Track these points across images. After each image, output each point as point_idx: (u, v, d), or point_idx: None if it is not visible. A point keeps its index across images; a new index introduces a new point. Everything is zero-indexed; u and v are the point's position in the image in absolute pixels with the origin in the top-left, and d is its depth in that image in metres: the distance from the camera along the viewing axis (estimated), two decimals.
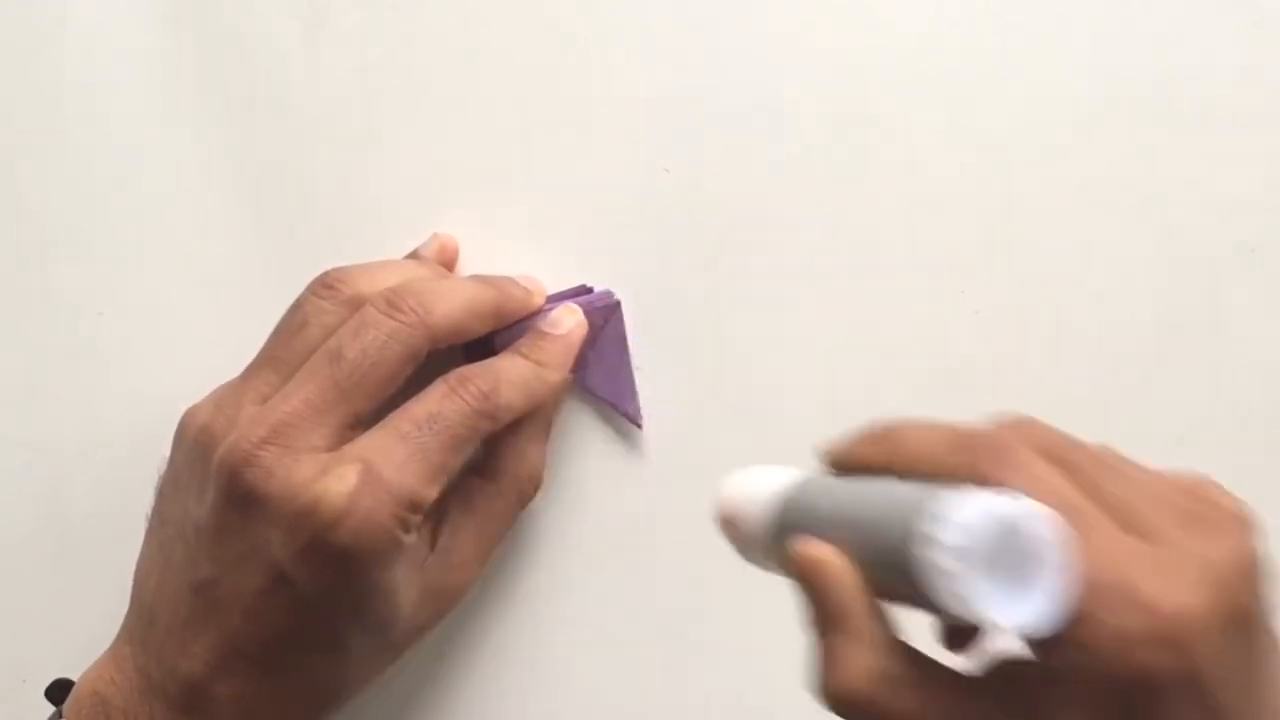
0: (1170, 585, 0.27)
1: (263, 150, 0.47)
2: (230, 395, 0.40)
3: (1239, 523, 0.30)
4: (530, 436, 0.41)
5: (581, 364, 0.42)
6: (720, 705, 0.45)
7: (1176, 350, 0.45)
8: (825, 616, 0.29)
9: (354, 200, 0.43)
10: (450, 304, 0.40)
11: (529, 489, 0.42)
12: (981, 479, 0.28)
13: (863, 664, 0.28)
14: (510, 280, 0.43)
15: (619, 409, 0.42)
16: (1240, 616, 0.28)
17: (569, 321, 0.42)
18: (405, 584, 0.39)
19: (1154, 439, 0.45)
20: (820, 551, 0.29)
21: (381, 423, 0.39)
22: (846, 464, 0.32)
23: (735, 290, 0.42)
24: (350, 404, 0.38)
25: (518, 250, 0.43)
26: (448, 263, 0.44)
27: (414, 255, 0.44)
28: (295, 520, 0.37)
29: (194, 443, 0.40)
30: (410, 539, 0.38)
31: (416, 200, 0.45)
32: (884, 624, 0.29)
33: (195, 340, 0.47)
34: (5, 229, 0.47)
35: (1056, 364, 0.46)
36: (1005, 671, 0.29)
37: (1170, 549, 0.28)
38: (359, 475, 0.37)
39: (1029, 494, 0.28)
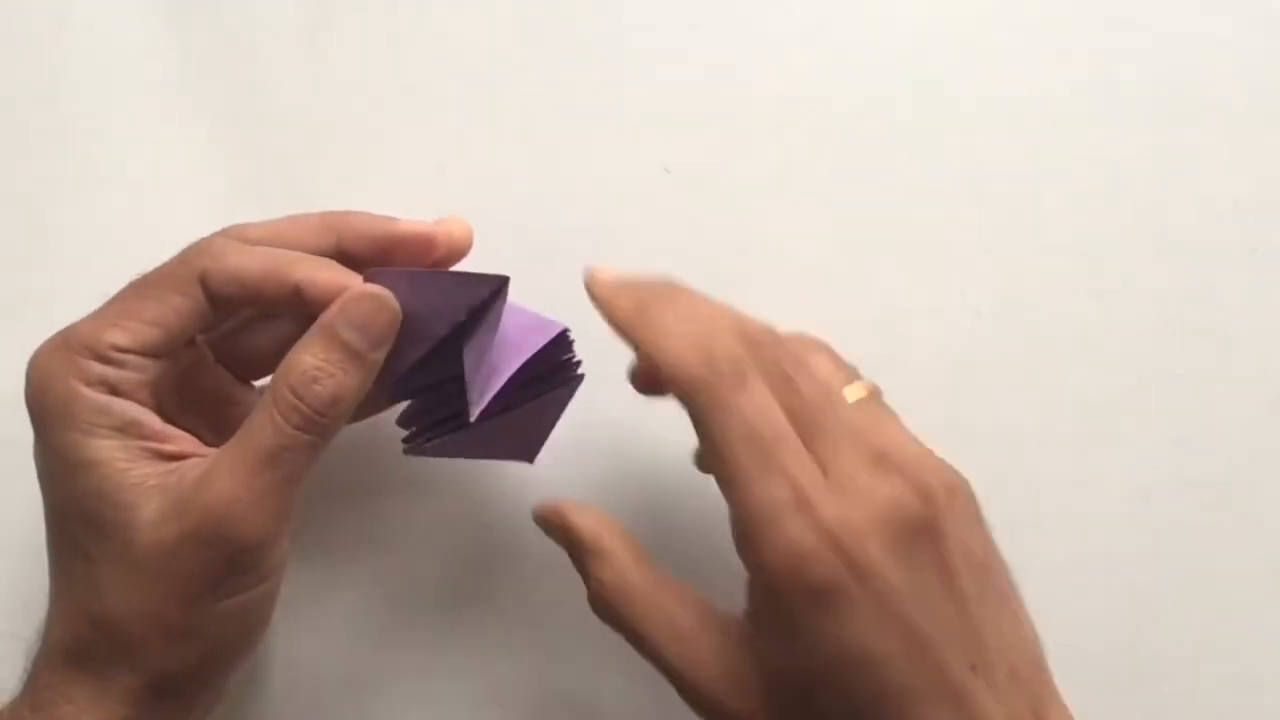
0: (843, 504, 0.33)
1: (263, 150, 0.47)
2: None
3: (945, 482, 0.35)
4: (302, 342, 0.38)
5: (463, 333, 0.39)
6: None
7: (1176, 350, 0.45)
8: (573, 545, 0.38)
9: (354, 200, 0.43)
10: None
11: (286, 396, 0.37)
12: (715, 397, 0.34)
13: (608, 575, 0.37)
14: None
15: (469, 390, 0.39)
16: (911, 530, 0.34)
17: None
18: (122, 469, 0.37)
19: (1154, 439, 0.45)
20: (561, 509, 0.38)
21: None
22: (606, 312, 0.37)
23: (735, 290, 0.42)
24: (113, 310, 0.39)
25: (518, 250, 0.43)
26: (456, 251, 0.43)
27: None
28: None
29: None
30: (99, 394, 0.37)
31: (416, 200, 0.45)
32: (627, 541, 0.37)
33: None
34: (5, 229, 0.47)
35: (1056, 364, 0.46)
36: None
37: (854, 482, 0.34)
38: (53, 339, 0.38)
39: (743, 415, 0.34)
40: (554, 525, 0.39)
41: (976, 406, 0.45)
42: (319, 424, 0.37)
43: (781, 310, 0.43)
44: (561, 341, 0.40)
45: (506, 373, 0.39)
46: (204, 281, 0.38)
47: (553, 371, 0.41)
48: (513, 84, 0.47)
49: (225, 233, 0.40)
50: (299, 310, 0.39)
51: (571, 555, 0.38)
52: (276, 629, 0.43)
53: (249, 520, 0.37)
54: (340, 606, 0.46)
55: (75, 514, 0.37)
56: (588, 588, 0.38)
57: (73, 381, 0.37)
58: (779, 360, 0.36)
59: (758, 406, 0.35)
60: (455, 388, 0.40)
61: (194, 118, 0.47)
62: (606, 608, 0.37)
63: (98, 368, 0.37)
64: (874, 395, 0.38)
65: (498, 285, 0.39)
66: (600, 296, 0.37)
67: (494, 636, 0.46)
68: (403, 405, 0.42)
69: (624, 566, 0.37)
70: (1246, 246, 0.46)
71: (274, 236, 0.40)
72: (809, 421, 0.35)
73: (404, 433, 0.42)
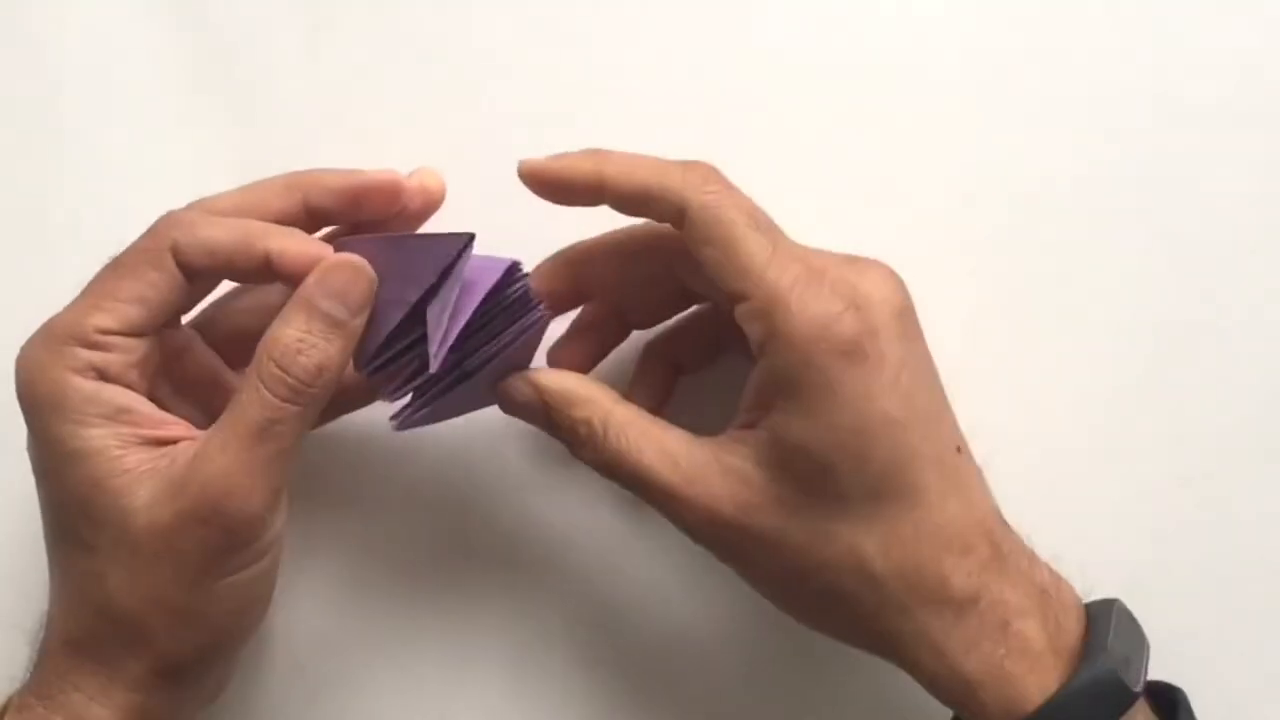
0: (851, 276, 0.37)
1: (263, 150, 0.47)
2: None
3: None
4: (282, 316, 0.38)
5: (431, 295, 0.39)
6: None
7: (1176, 350, 0.45)
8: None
9: None
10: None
11: (271, 369, 0.37)
12: (710, 195, 0.38)
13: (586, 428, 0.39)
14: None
15: (430, 342, 0.39)
16: (901, 311, 0.38)
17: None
18: (115, 456, 0.37)
19: (1154, 439, 0.45)
20: (529, 379, 0.40)
21: None
22: (551, 178, 0.40)
23: None
24: (92, 294, 0.39)
25: (518, 250, 0.42)
26: (431, 201, 0.43)
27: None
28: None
29: None
30: (88, 381, 0.37)
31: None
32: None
33: None
34: (5, 229, 0.47)
35: (1056, 364, 0.46)
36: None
37: (837, 267, 0.38)
38: (36, 333, 0.38)
39: (740, 205, 0.38)
40: (526, 399, 0.40)
41: (976, 406, 0.45)
42: (306, 394, 0.37)
43: None
44: (514, 273, 0.40)
45: (464, 317, 0.39)
46: (175, 254, 0.38)
47: (514, 307, 0.40)
48: (512, 84, 0.47)
49: (193, 206, 0.40)
50: (269, 279, 0.39)
51: (551, 421, 0.40)
52: (277, 604, 0.44)
53: (244, 495, 0.37)
54: (338, 580, 0.46)
55: (72, 504, 0.37)
56: (573, 439, 0.40)
57: (61, 371, 0.37)
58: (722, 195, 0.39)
59: (746, 198, 0.38)
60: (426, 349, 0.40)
61: (194, 118, 0.47)
62: (593, 451, 0.39)
63: (84, 354, 0.37)
64: None
65: (464, 243, 0.38)
66: (552, 165, 0.40)
67: (497, 606, 0.46)
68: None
69: (604, 409, 0.39)
70: (1246, 246, 0.46)
71: (240, 204, 0.41)
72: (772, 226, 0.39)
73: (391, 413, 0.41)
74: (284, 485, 0.38)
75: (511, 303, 0.40)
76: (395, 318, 0.39)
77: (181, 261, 0.38)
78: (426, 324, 0.39)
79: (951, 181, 0.46)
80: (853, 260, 0.39)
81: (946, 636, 0.37)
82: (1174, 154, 0.46)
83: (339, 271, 0.38)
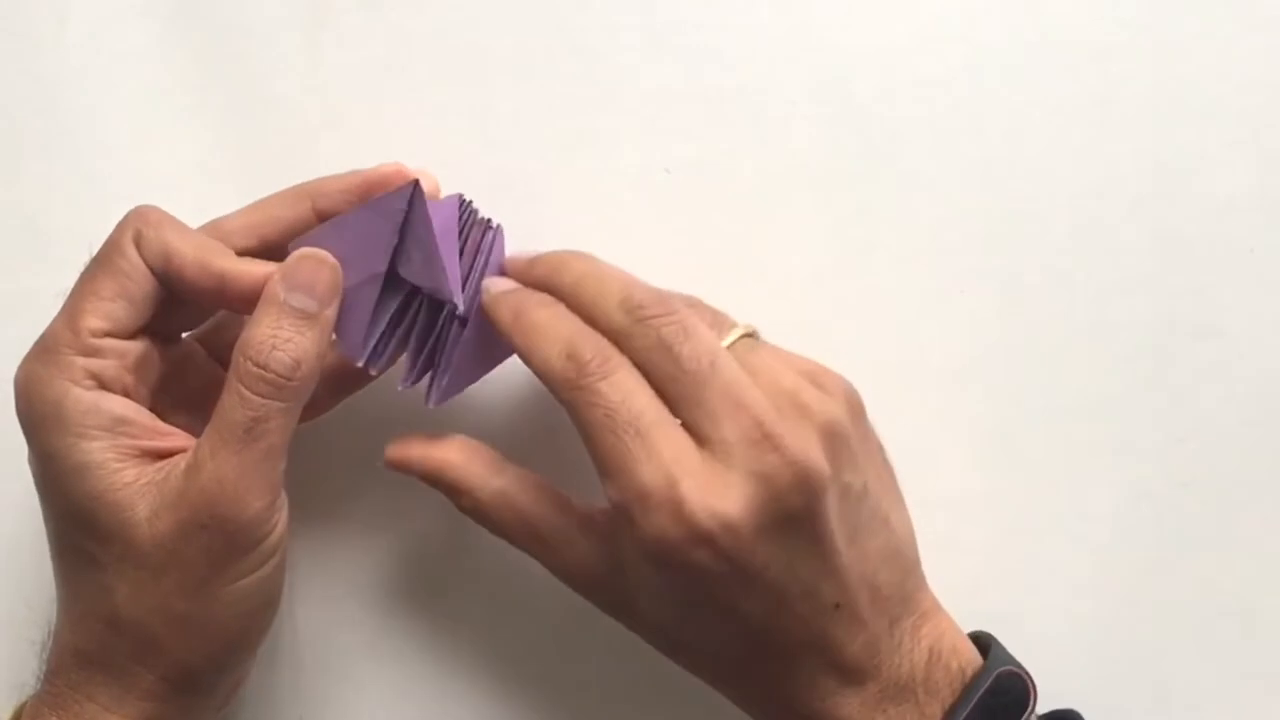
0: (713, 496, 0.34)
1: (263, 150, 0.47)
2: None
3: (821, 426, 0.36)
4: (253, 317, 0.38)
5: (400, 257, 0.39)
6: None
7: (1176, 350, 0.45)
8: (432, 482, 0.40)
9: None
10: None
11: (249, 368, 0.37)
12: (585, 386, 0.36)
13: (463, 497, 0.39)
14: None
15: (439, 294, 0.39)
16: (785, 519, 0.35)
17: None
18: (115, 470, 0.37)
19: (1154, 439, 0.45)
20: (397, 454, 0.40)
21: None
22: (493, 325, 0.39)
23: (735, 290, 0.42)
24: (75, 296, 0.39)
25: (518, 250, 0.42)
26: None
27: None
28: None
29: None
30: (86, 392, 0.37)
31: None
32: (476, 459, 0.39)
33: None
34: (5, 229, 0.47)
35: (1056, 364, 0.46)
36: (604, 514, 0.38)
37: (728, 462, 0.35)
38: (32, 349, 0.38)
39: (606, 405, 0.35)
40: (402, 469, 0.40)
41: (976, 406, 0.45)
42: (287, 388, 0.38)
43: (781, 310, 0.43)
44: (464, 206, 0.41)
45: (453, 256, 0.39)
46: (138, 246, 0.39)
47: (473, 232, 0.41)
48: (512, 84, 0.47)
49: (204, 228, 0.41)
50: (214, 302, 0.39)
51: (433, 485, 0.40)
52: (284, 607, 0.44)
53: (240, 497, 0.37)
54: (339, 580, 0.46)
55: (74, 518, 0.38)
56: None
57: (59, 382, 0.37)
58: (662, 330, 0.37)
59: (622, 393, 0.36)
60: (422, 305, 0.40)
61: (194, 118, 0.47)
62: (474, 518, 0.40)
63: (80, 361, 0.38)
64: (752, 335, 0.40)
65: (409, 193, 0.38)
66: (487, 304, 0.39)
67: (496, 606, 0.46)
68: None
69: (475, 487, 0.39)
70: (1246, 246, 0.46)
71: (249, 221, 0.41)
72: (690, 392, 0.36)
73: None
74: (278, 482, 0.38)
75: (470, 229, 0.41)
76: (371, 296, 0.39)
77: (143, 256, 0.39)
78: (418, 282, 0.39)
79: (951, 181, 0.46)
80: (757, 434, 0.35)
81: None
82: (1174, 154, 0.46)
83: (301, 264, 0.39)
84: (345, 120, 0.47)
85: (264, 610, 0.40)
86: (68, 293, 0.39)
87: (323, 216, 0.41)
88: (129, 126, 0.48)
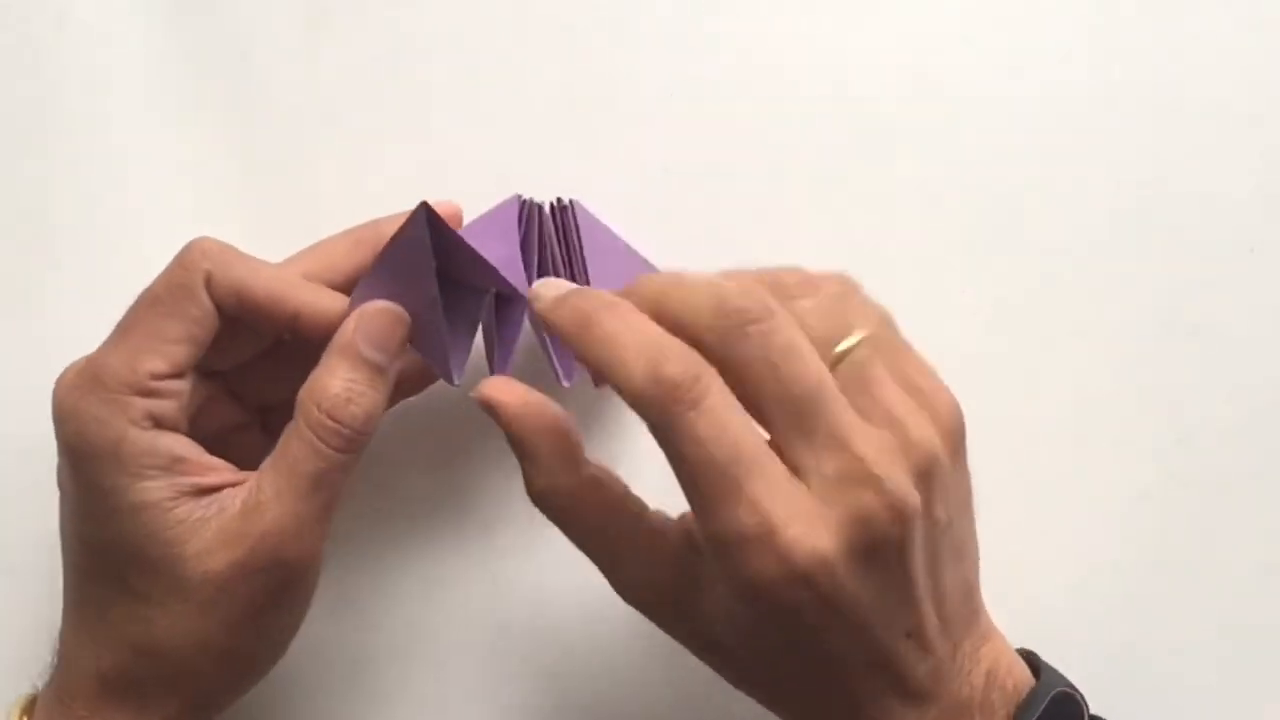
0: (812, 538, 0.33)
1: (263, 150, 0.47)
2: None
3: (921, 460, 0.34)
4: (325, 366, 0.38)
5: (454, 270, 0.39)
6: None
7: (1176, 350, 0.45)
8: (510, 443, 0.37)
9: (353, 199, 0.43)
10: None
11: (322, 420, 0.37)
12: (675, 414, 0.33)
13: (538, 480, 0.37)
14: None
15: (502, 286, 0.40)
16: (876, 554, 0.33)
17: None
18: (166, 506, 0.37)
19: (1154, 439, 0.45)
20: (495, 392, 0.37)
21: None
22: (552, 330, 0.36)
23: None
24: (137, 334, 0.38)
25: None
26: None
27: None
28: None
29: None
30: (145, 432, 0.37)
31: (416, 200, 0.45)
32: (559, 447, 0.37)
33: None
34: (5, 229, 0.47)
35: (1056, 364, 0.46)
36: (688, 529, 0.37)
37: (826, 499, 0.33)
38: (81, 375, 0.38)
39: (696, 440, 0.33)
40: (489, 412, 0.38)
41: (976, 406, 0.45)
42: (356, 441, 0.38)
43: None
44: (525, 205, 0.42)
45: (514, 248, 0.40)
46: (208, 287, 0.38)
47: (545, 226, 0.42)
48: (512, 84, 0.47)
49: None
50: (289, 333, 0.39)
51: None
52: None
53: (302, 543, 0.38)
54: (336, 581, 0.46)
55: (120, 550, 0.38)
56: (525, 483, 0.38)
57: (120, 422, 0.37)
58: (767, 343, 0.34)
59: (718, 426, 0.33)
60: (475, 303, 0.40)
61: (194, 118, 0.47)
62: (539, 508, 0.38)
63: (140, 403, 0.37)
64: (869, 340, 0.36)
65: (423, 216, 0.38)
66: (543, 314, 0.36)
67: (497, 605, 0.46)
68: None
69: (552, 472, 0.37)
70: (1246, 246, 0.46)
71: (309, 270, 0.41)
72: (793, 420, 0.34)
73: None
74: (330, 529, 0.39)
75: (535, 221, 0.42)
76: (438, 319, 0.39)
77: (213, 295, 0.38)
78: (481, 281, 0.39)
79: (951, 181, 0.46)
80: (856, 471, 0.34)
81: None
82: (1174, 154, 0.46)
83: (378, 318, 0.39)
84: (345, 120, 0.47)
85: (287, 640, 0.40)
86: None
87: None
88: (128, 127, 0.48)
